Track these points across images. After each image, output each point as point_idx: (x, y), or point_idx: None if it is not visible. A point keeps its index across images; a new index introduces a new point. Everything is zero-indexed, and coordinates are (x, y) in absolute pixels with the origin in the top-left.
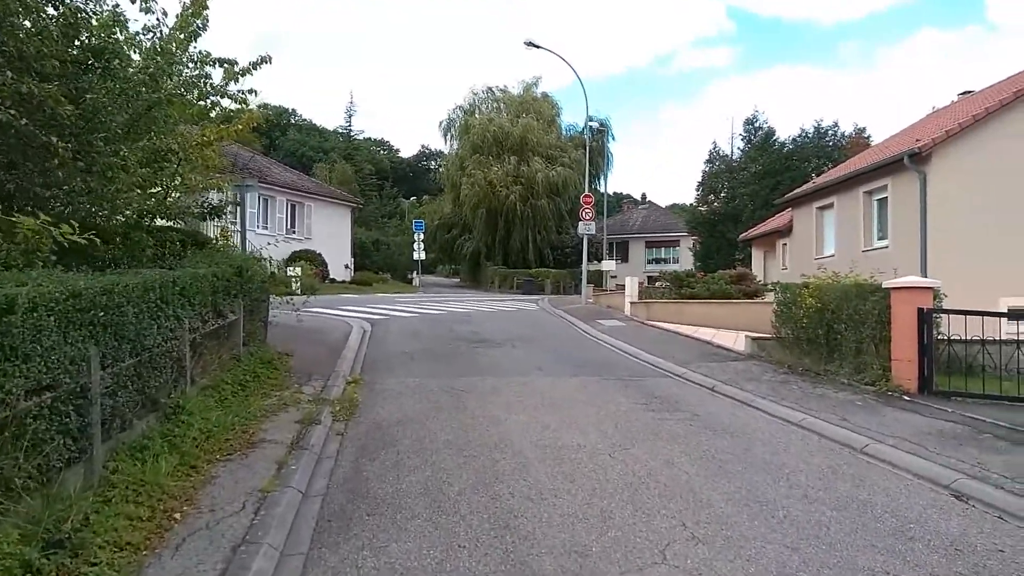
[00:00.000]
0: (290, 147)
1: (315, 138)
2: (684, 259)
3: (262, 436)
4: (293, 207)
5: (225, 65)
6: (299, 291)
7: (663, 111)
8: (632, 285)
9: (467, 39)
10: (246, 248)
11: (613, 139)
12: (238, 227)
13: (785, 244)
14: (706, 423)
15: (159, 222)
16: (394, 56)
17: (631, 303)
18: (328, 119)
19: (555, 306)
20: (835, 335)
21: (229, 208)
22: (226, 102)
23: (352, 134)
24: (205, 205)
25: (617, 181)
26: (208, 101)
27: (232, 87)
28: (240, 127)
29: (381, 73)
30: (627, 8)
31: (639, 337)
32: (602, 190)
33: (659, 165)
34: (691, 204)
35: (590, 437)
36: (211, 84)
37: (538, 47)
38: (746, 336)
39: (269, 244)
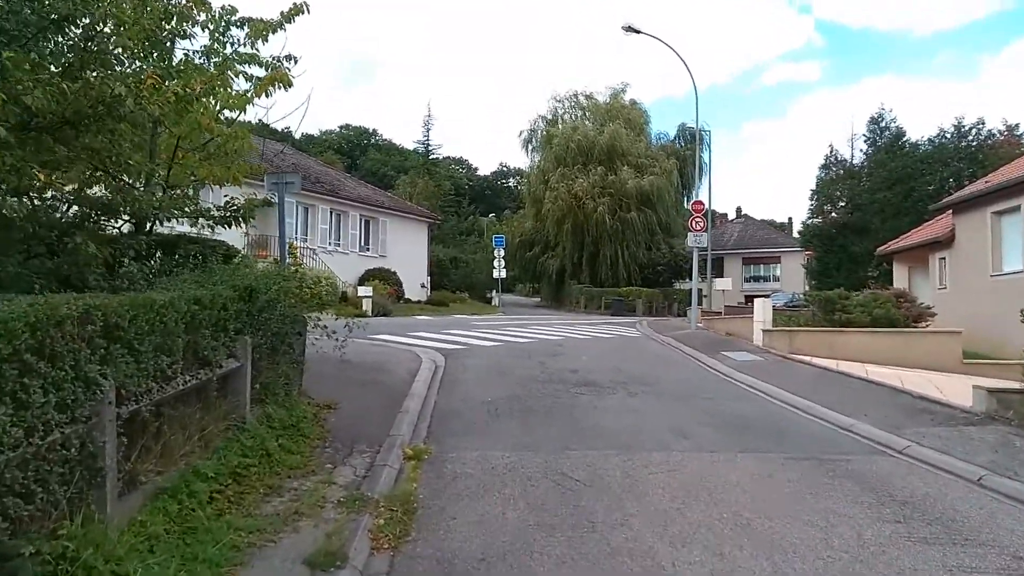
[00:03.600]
0: (371, 167)
1: (395, 158)
2: (787, 277)
3: None
4: (367, 223)
5: (249, 24)
6: (370, 312)
7: (749, 127)
8: (765, 309)
9: (545, 58)
10: (285, 261)
11: (708, 148)
12: (307, 243)
13: (943, 258)
14: None
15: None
16: (472, 75)
17: (763, 331)
18: (408, 138)
19: (659, 332)
20: None
21: (258, 211)
22: (255, 70)
23: (430, 148)
24: (229, 207)
25: (701, 198)
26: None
27: (262, 49)
28: (253, 90)
29: (459, 92)
30: (711, 25)
31: (793, 380)
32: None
33: (749, 181)
34: (788, 220)
35: None
36: (237, 51)
37: (638, 32)
38: (975, 387)
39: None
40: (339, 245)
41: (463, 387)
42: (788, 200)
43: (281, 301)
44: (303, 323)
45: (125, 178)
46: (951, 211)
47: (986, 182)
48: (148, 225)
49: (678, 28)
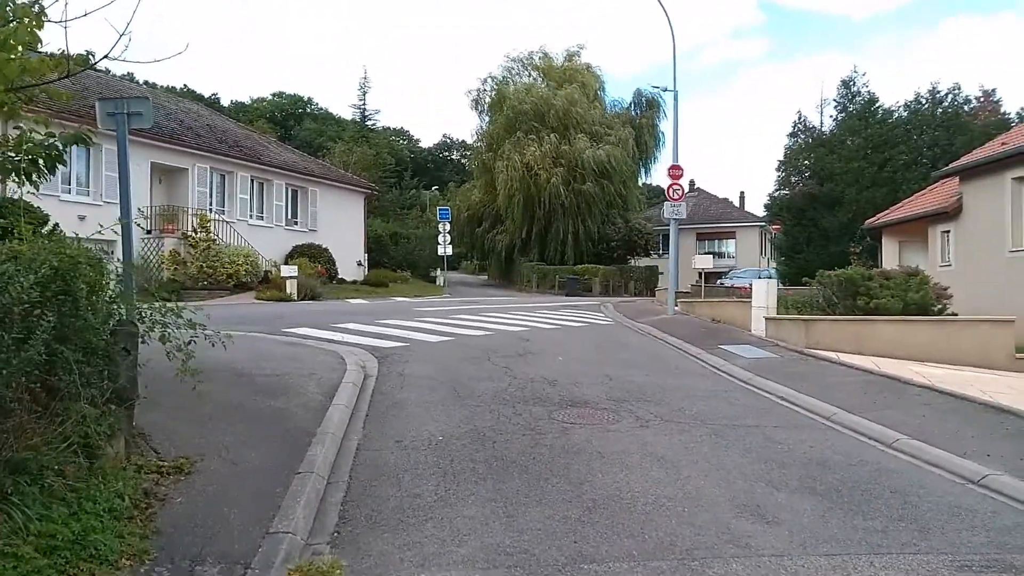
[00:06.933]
0: (306, 137)
1: (332, 127)
2: (742, 253)
3: None
4: (294, 193)
5: None
6: (295, 296)
7: (693, 103)
8: (767, 292)
9: (488, 29)
10: (132, 235)
11: (665, 117)
12: (224, 215)
13: (947, 232)
14: None
15: None
16: (412, 46)
17: (766, 319)
18: (345, 107)
19: (632, 318)
20: None
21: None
22: None
23: (367, 114)
24: (20, 148)
25: (657, 170)
26: None
27: None
28: None
29: (398, 60)
30: (649, 4)
31: (838, 389)
32: (653, 174)
33: (697, 157)
34: (741, 194)
35: None
36: None
37: None
38: None
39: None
40: (262, 218)
41: (402, 416)
42: (738, 176)
43: (65, 301)
44: (130, 334)
45: None
46: (958, 178)
47: (1003, 143)
48: None
49: (617, 6)
